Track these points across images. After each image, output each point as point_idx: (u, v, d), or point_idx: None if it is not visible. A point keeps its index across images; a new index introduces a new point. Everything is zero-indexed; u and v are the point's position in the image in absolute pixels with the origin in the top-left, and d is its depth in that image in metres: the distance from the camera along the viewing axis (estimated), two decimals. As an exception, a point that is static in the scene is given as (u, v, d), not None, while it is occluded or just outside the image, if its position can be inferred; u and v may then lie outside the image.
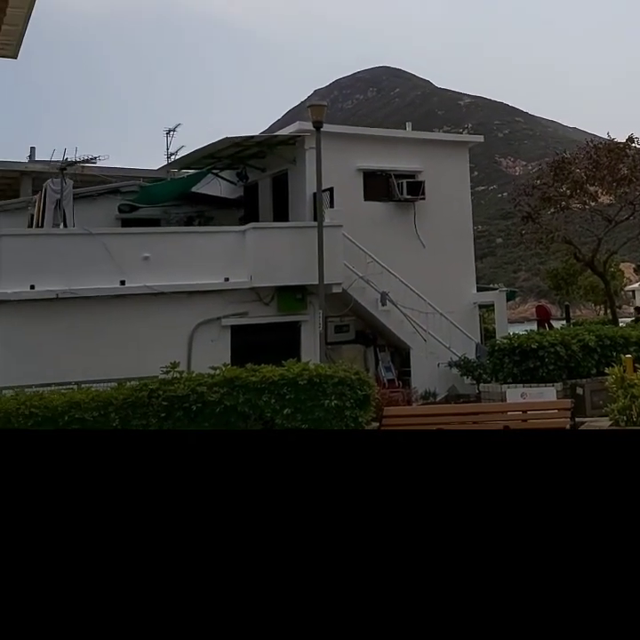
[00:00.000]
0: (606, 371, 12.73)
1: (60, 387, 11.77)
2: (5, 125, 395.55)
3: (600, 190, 22.24)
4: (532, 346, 14.88)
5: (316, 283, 16.80)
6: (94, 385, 11.75)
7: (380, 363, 19.26)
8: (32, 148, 21.58)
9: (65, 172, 18.21)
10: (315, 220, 17.56)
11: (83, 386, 11.50)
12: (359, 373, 11.76)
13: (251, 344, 16.47)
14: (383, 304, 18.79)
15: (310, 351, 17.02)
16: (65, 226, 17.41)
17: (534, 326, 23.31)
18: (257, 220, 19.92)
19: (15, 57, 7.82)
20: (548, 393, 13.52)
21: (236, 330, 17.05)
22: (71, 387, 11.49)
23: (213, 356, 14.90)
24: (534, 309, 27.59)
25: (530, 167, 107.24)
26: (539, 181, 23.29)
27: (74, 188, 18.15)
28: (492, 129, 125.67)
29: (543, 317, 24.19)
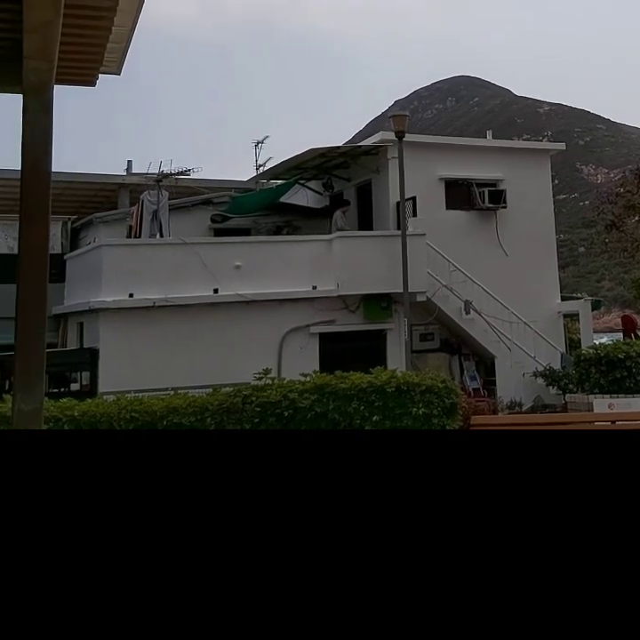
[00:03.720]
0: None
1: (158, 392, 12.09)
2: (104, 139, 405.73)
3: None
4: (619, 356, 14.76)
5: (401, 291, 16.91)
6: (190, 390, 11.98)
7: (465, 371, 19.23)
8: (129, 162, 22.08)
9: (160, 183, 18.70)
10: (398, 228, 17.72)
11: (179, 391, 11.77)
12: (446, 381, 11.69)
13: (338, 351, 16.73)
14: (467, 313, 18.79)
15: (396, 359, 17.15)
16: (161, 236, 17.91)
17: (620, 336, 22.99)
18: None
19: (119, 73, 8.21)
20: (636, 404, 13.36)
21: (323, 337, 17.30)
22: (168, 392, 11.78)
23: (302, 362, 15.25)
24: (619, 319, 27.10)
25: (612, 175, 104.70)
26: (622, 189, 22.99)
27: (169, 199, 18.64)
28: (572, 136, 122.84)
29: (629, 327, 23.75)
